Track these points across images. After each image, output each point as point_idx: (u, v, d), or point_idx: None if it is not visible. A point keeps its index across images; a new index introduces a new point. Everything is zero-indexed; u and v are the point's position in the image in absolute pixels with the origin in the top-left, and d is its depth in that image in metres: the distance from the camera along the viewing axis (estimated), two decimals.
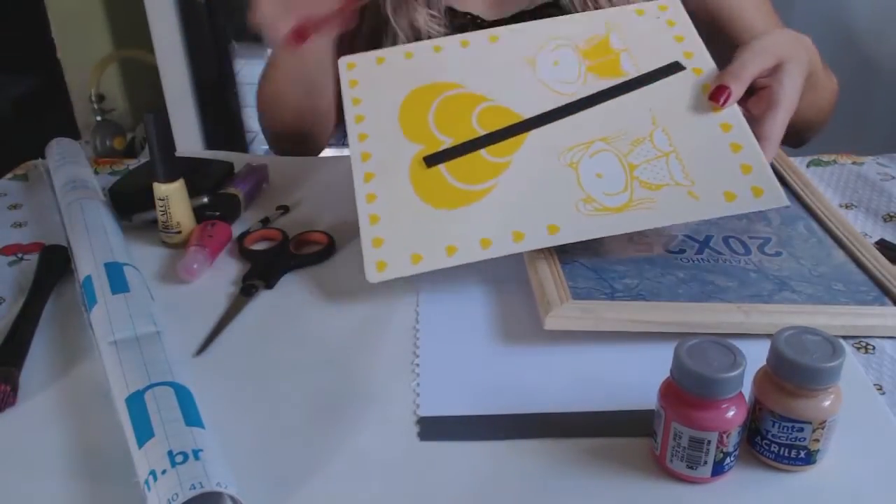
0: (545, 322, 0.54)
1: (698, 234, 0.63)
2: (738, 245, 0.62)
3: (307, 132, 0.87)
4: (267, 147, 0.94)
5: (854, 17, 1.36)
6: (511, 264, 0.64)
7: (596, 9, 0.80)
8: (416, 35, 0.84)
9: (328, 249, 0.67)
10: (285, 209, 0.74)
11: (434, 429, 0.48)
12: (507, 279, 0.62)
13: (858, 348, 0.55)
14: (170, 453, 0.42)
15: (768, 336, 0.50)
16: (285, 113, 0.85)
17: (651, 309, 0.55)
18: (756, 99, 0.63)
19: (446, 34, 0.84)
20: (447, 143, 0.63)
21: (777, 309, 0.55)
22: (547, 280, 0.57)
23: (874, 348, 0.55)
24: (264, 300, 0.61)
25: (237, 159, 0.79)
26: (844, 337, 0.55)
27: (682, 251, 0.61)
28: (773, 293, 0.56)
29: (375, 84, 0.68)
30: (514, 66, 0.68)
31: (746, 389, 0.44)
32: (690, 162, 0.60)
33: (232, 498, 0.41)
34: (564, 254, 0.60)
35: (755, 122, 0.61)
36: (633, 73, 0.65)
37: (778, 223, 0.65)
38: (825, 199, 0.68)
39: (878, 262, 0.59)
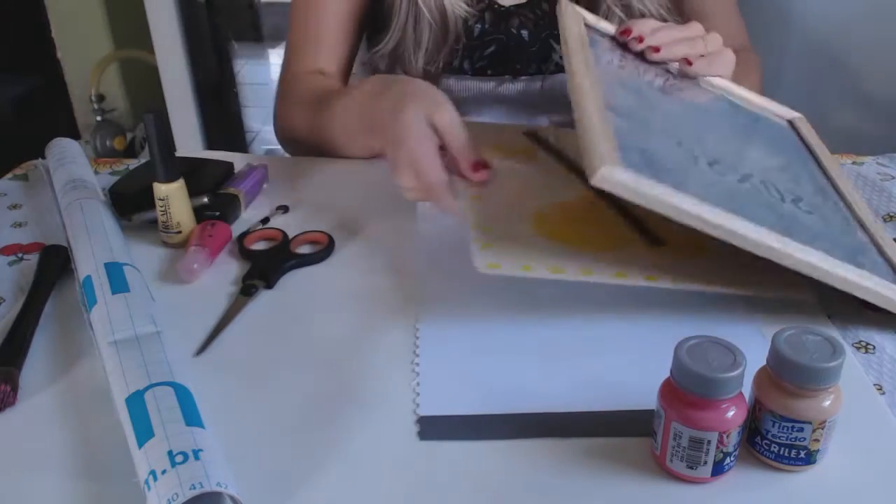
0: (593, 177, 0.50)
1: (741, 166, 0.61)
2: (774, 191, 0.60)
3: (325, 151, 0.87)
4: (267, 147, 0.94)
5: (854, 17, 1.36)
6: None
7: None
8: (442, 14, 0.84)
9: (328, 249, 0.67)
10: (285, 209, 0.74)
11: (434, 428, 0.48)
12: (508, 280, 0.62)
13: (858, 348, 0.55)
14: (170, 453, 0.42)
15: (766, 315, 0.50)
16: (304, 144, 0.86)
17: (696, 205, 0.52)
18: None
19: (471, 14, 0.86)
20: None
21: (813, 252, 0.53)
22: (600, 139, 0.53)
23: (874, 348, 0.55)
24: (264, 300, 0.61)
25: (237, 159, 0.79)
26: (843, 325, 0.55)
27: (725, 174, 0.59)
28: (806, 241, 0.54)
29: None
30: None
31: (746, 389, 0.44)
32: None
33: (232, 498, 0.41)
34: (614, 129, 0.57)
35: None
36: None
37: (811, 191, 0.64)
38: (854, 190, 0.67)
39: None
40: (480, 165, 0.65)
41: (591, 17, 0.78)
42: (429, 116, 0.65)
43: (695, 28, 0.76)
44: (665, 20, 0.89)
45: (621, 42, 0.75)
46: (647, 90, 0.70)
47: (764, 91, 0.93)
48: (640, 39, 0.74)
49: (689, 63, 0.73)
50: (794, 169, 0.67)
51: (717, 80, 0.77)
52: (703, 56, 0.75)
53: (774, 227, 0.54)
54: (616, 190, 0.51)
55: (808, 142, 0.75)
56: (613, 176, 0.50)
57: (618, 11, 0.86)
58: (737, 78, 0.88)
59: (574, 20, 0.74)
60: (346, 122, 0.78)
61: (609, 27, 0.77)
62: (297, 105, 0.87)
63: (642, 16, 0.87)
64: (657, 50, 0.74)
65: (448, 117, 0.65)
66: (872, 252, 0.59)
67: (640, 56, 0.75)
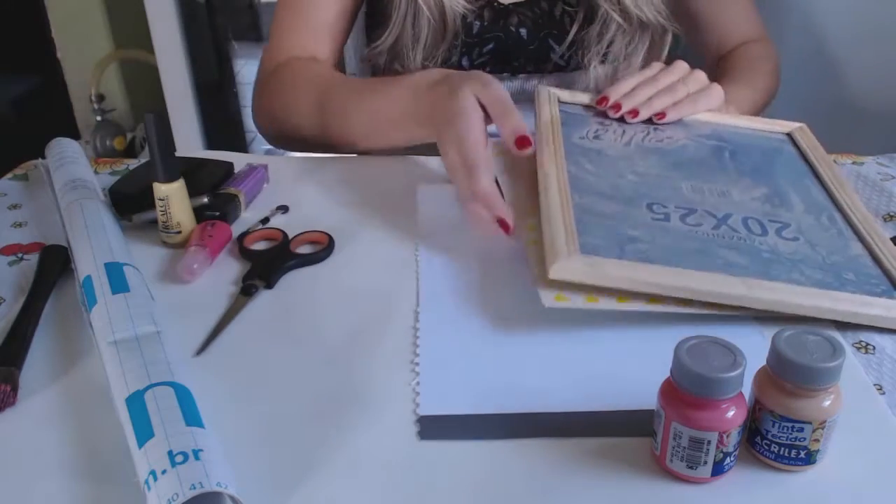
0: (550, 271, 0.54)
1: (718, 210, 0.63)
2: (756, 226, 0.62)
3: (312, 146, 0.87)
4: (267, 147, 0.94)
5: (855, 17, 1.36)
6: (512, 264, 0.64)
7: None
8: (441, 10, 0.84)
9: (328, 249, 0.67)
10: (285, 209, 0.74)
11: (434, 428, 0.48)
12: (508, 279, 0.62)
13: (858, 348, 0.55)
14: (170, 453, 0.42)
15: (767, 315, 0.50)
16: (301, 134, 0.85)
17: (655, 272, 0.55)
18: None
19: (469, 11, 0.86)
20: None
21: (781, 287, 0.55)
22: (558, 232, 0.57)
23: (874, 348, 0.55)
24: (264, 300, 0.61)
25: (237, 159, 0.79)
26: (843, 325, 0.55)
27: (699, 224, 0.61)
28: (782, 274, 0.56)
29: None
30: None
31: (746, 389, 0.44)
32: None
33: (232, 498, 0.41)
34: (580, 212, 0.61)
35: None
36: None
37: (801, 210, 0.65)
38: (853, 192, 0.68)
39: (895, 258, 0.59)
40: (523, 140, 0.65)
41: (565, 94, 0.80)
42: (477, 94, 0.67)
43: (676, 71, 0.77)
44: (663, 27, 0.89)
45: (600, 111, 0.78)
46: (624, 153, 0.72)
47: (780, 74, 0.94)
48: (617, 107, 0.76)
49: (662, 116, 0.76)
50: (784, 191, 0.68)
51: (704, 114, 0.79)
52: (687, 96, 0.77)
53: (747, 270, 0.56)
54: (575, 279, 0.54)
55: (805, 153, 0.75)
56: (568, 267, 0.54)
57: (616, 16, 0.86)
58: (746, 80, 0.88)
59: (546, 103, 0.77)
60: (389, 111, 0.76)
61: (585, 98, 0.80)
62: (297, 92, 0.85)
63: (640, 22, 0.87)
64: (635, 114, 0.76)
65: (494, 91, 0.67)
66: (865, 263, 0.60)
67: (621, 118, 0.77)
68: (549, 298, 0.55)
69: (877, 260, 0.60)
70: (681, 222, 0.61)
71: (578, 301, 0.55)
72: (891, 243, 0.62)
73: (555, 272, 0.54)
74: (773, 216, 0.64)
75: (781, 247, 0.60)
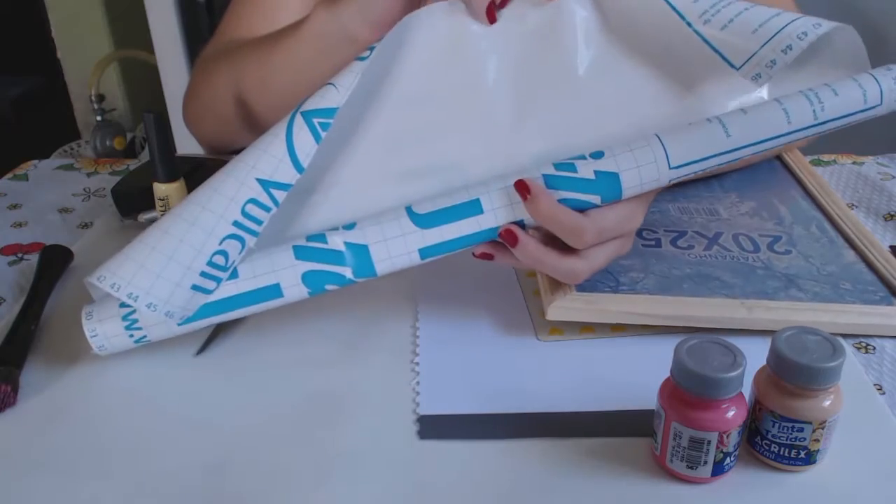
0: (547, 312, 0.54)
1: (708, 230, 0.64)
2: (747, 242, 0.62)
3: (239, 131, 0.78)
4: None
5: (856, 17, 1.36)
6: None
7: None
8: None
9: None
10: None
11: (434, 427, 0.48)
12: (507, 279, 0.62)
13: (859, 348, 0.55)
14: None
15: (770, 333, 0.50)
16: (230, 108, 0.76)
17: (654, 302, 0.55)
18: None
19: None
20: None
21: (781, 305, 0.55)
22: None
23: (874, 348, 0.55)
24: None
25: None
26: (845, 336, 0.55)
27: (691, 247, 0.61)
28: (779, 290, 0.57)
29: None
30: None
31: (746, 389, 0.44)
32: None
33: None
34: None
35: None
36: None
37: (790, 222, 0.65)
38: (840, 200, 0.68)
39: (889, 264, 0.59)
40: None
41: None
42: None
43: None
44: None
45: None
46: None
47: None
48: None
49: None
50: (771, 204, 0.68)
51: None
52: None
53: (744, 290, 0.56)
54: (573, 318, 0.54)
55: (787, 163, 0.75)
56: (565, 307, 0.54)
57: None
58: None
59: None
60: (309, 31, 0.64)
61: None
62: (216, 67, 0.75)
63: None
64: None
65: None
66: (860, 270, 0.60)
67: None
68: (543, 332, 0.56)
69: (871, 266, 0.60)
70: (672, 246, 0.61)
71: (573, 334, 0.56)
72: (883, 248, 0.61)
73: (552, 313, 0.54)
74: (763, 230, 0.64)
75: (775, 261, 0.60)
